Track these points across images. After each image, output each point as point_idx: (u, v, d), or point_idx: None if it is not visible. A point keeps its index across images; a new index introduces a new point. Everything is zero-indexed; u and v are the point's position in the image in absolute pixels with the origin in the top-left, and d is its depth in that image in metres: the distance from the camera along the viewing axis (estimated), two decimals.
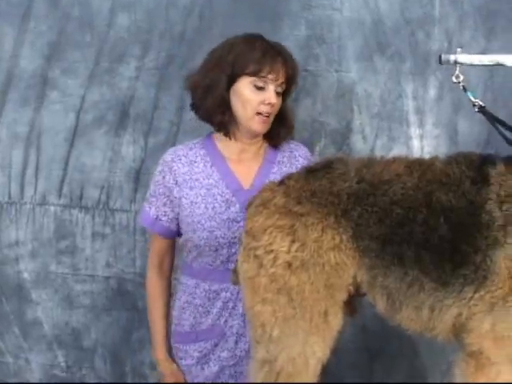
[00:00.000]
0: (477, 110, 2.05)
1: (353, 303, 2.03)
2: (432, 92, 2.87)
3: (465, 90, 2.06)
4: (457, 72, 2.05)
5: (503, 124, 2.02)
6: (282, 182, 1.98)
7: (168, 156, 2.34)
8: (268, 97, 2.21)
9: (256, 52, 2.21)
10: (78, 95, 2.95)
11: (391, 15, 2.85)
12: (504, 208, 1.82)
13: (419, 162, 1.94)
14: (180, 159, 2.32)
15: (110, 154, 2.95)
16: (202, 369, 2.35)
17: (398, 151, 2.83)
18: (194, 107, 2.34)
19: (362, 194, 1.88)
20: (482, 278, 1.82)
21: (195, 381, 2.36)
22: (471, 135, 2.87)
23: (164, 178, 2.32)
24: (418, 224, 1.84)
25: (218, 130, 2.31)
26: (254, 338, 1.94)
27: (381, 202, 1.86)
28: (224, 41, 2.31)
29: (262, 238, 1.90)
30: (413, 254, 1.84)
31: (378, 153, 2.79)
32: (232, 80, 2.24)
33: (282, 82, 2.25)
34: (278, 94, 2.25)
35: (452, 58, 2.04)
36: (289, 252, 1.87)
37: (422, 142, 2.87)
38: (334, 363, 2.80)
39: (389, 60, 2.85)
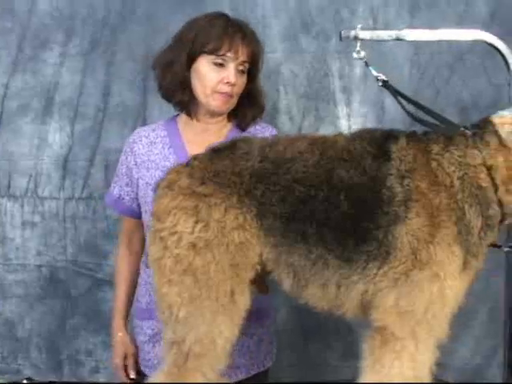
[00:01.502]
0: (380, 84, 2.05)
1: (264, 281, 2.03)
2: (358, 70, 2.87)
3: (367, 64, 2.05)
4: (358, 48, 2.05)
5: (407, 98, 2.02)
6: (187, 163, 1.96)
7: (131, 137, 2.36)
8: (227, 75, 2.17)
9: (215, 29, 2.17)
10: (1, 83, 2.92)
11: None
12: (405, 183, 1.82)
13: (323, 140, 1.92)
14: (141, 140, 2.33)
15: (36, 142, 2.93)
16: (154, 346, 2.35)
17: (325, 131, 2.84)
18: (158, 86, 2.32)
19: (264, 173, 1.87)
20: (385, 254, 1.81)
21: (146, 357, 2.37)
22: (398, 113, 2.84)
23: (126, 158, 2.33)
24: (319, 202, 1.83)
25: (180, 110, 2.31)
26: (163, 320, 1.92)
27: (283, 181, 1.85)
28: (190, 19, 2.28)
29: (166, 219, 1.89)
30: (315, 232, 1.83)
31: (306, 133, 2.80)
32: (192, 58, 2.21)
33: (244, 61, 2.20)
34: (241, 72, 2.21)
35: (352, 33, 2.03)
36: (192, 233, 1.86)
37: (350, 120, 2.88)
38: None
39: (314, 39, 2.86)
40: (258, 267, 1.92)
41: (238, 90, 2.23)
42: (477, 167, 1.83)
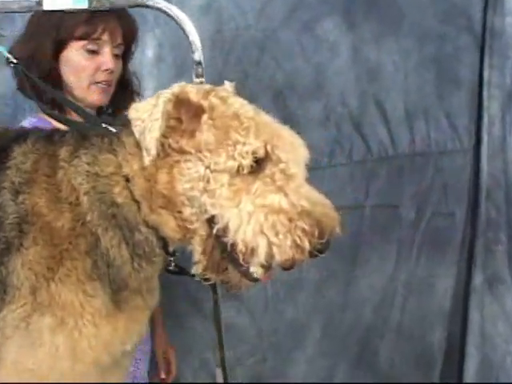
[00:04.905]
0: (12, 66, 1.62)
1: None
2: (150, 53, 2.45)
3: None
4: None
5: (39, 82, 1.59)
6: None
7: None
8: (104, 61, 1.84)
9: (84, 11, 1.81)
10: None
11: None
12: (20, 199, 1.37)
13: None
14: None
15: None
16: None
17: None
18: (19, 83, 1.87)
19: None
20: (3, 294, 1.37)
21: None
22: None
23: None
24: None
25: (52, 108, 1.83)
26: None
27: None
28: None
29: None
30: None
31: None
32: (59, 47, 1.83)
33: (120, 44, 1.88)
34: (116, 57, 1.88)
35: None
36: None
37: None
38: None
39: None
40: None
41: (117, 76, 1.91)
42: (110, 178, 1.37)
